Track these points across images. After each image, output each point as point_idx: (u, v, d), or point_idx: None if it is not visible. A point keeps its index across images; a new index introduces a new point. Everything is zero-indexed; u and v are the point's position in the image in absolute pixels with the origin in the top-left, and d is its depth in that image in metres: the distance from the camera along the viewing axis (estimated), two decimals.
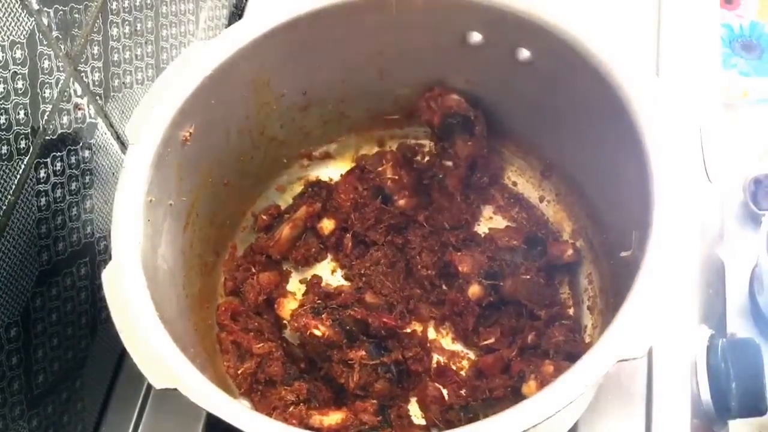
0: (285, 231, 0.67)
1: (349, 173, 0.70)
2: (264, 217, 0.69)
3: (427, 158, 0.72)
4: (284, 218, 0.69)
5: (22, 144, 0.54)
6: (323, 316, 0.59)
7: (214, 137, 0.62)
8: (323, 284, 0.68)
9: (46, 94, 0.56)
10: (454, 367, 0.64)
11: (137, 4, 0.66)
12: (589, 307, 0.64)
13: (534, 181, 0.70)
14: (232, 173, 0.65)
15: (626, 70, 0.54)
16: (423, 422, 0.61)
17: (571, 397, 0.44)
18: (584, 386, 0.45)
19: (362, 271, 0.67)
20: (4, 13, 0.50)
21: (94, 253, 0.64)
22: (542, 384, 0.54)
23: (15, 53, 0.52)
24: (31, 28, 0.53)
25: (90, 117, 0.62)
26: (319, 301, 0.61)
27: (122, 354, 0.67)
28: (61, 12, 0.56)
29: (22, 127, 0.53)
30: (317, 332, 0.59)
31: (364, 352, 0.59)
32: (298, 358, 0.63)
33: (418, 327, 0.66)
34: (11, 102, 0.52)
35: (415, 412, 0.62)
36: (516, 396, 0.57)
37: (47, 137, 0.56)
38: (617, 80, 0.54)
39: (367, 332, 0.61)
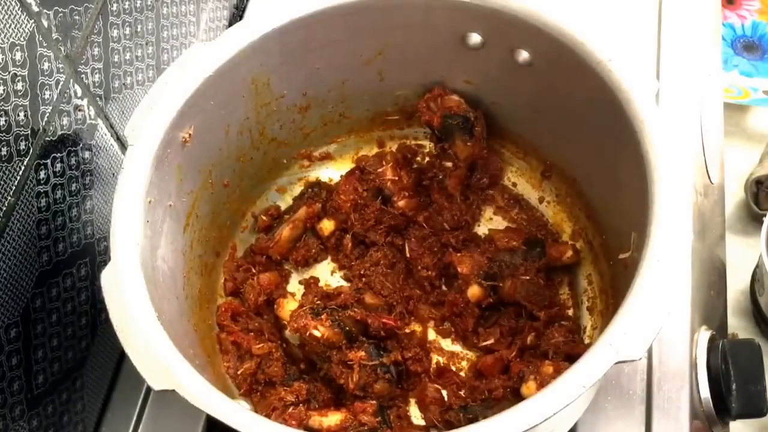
0: (285, 232, 0.68)
1: (349, 174, 0.70)
2: (264, 217, 0.69)
3: (426, 159, 0.72)
4: (284, 219, 0.69)
5: (22, 145, 0.54)
6: (322, 317, 0.59)
7: (214, 138, 0.62)
8: (323, 285, 0.68)
9: (46, 96, 0.56)
10: (453, 368, 0.64)
11: (138, 5, 0.66)
12: (588, 308, 0.64)
13: (534, 182, 0.70)
14: (231, 174, 0.66)
15: (626, 72, 0.54)
16: (422, 423, 0.61)
17: (569, 399, 0.44)
18: (583, 388, 0.45)
19: (362, 272, 0.67)
20: (4, 15, 0.51)
21: (94, 254, 0.64)
22: (542, 385, 0.54)
23: (15, 55, 0.52)
24: (31, 29, 0.53)
25: (90, 118, 0.62)
26: (318, 302, 0.61)
27: (122, 354, 0.67)
28: (61, 14, 0.56)
29: (22, 129, 0.54)
30: (317, 333, 0.59)
31: (363, 353, 0.59)
32: (297, 359, 0.63)
33: (417, 328, 0.66)
34: (11, 104, 0.52)
35: (414, 412, 0.62)
36: (515, 396, 0.57)
37: (47, 138, 0.57)
38: (617, 81, 0.54)
39: (366, 333, 0.61)
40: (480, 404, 0.59)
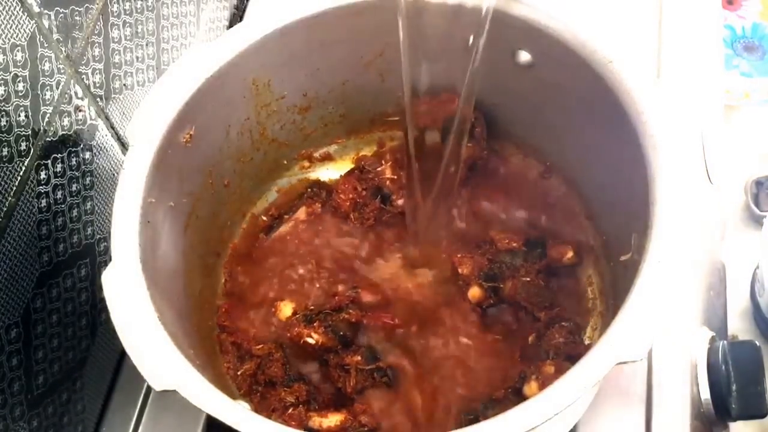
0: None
1: (349, 174, 0.70)
2: (264, 218, 0.69)
3: None
4: (284, 219, 0.69)
5: (23, 146, 0.54)
6: (315, 324, 0.60)
7: (215, 139, 0.62)
8: None
9: (47, 96, 0.56)
10: None
11: (138, 6, 0.66)
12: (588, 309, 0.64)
13: None
14: (232, 174, 0.66)
15: (627, 73, 0.54)
16: None
17: (570, 400, 0.44)
18: (584, 388, 0.45)
19: None
20: (5, 16, 0.51)
21: (95, 254, 0.64)
22: (543, 385, 0.54)
23: (16, 56, 0.52)
24: (32, 30, 0.53)
25: (91, 118, 0.62)
26: (311, 308, 0.61)
27: (122, 354, 0.67)
28: (62, 14, 0.56)
29: (23, 129, 0.54)
30: (311, 340, 0.59)
31: (359, 357, 0.59)
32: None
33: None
34: (12, 104, 0.52)
35: None
36: (516, 397, 0.57)
37: (48, 139, 0.57)
38: (617, 83, 0.54)
39: (358, 335, 0.61)
40: (480, 405, 0.59)
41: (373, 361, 0.59)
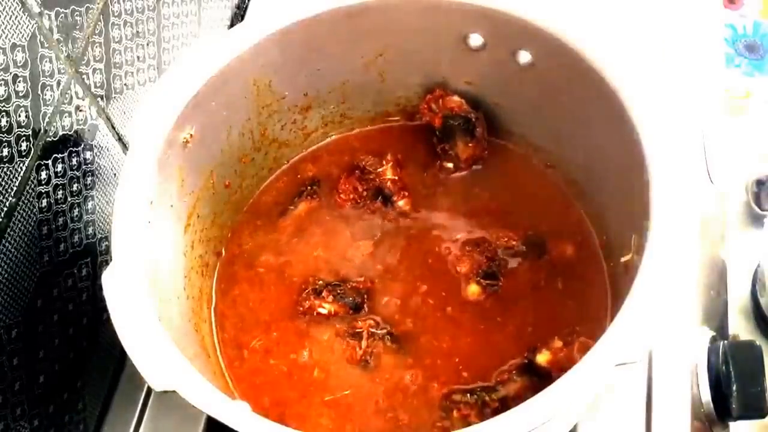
0: None
1: (349, 174, 0.70)
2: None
3: None
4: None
5: (24, 146, 0.54)
6: (323, 294, 0.62)
7: (216, 139, 0.62)
8: None
9: (48, 96, 0.56)
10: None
11: (139, 5, 0.66)
12: None
13: None
14: (233, 175, 0.66)
15: (627, 73, 0.54)
16: None
17: (569, 400, 0.45)
18: (582, 391, 0.45)
19: None
20: (5, 16, 0.51)
21: (96, 254, 0.64)
22: (555, 354, 0.55)
23: (16, 56, 0.52)
24: (32, 30, 0.53)
25: (91, 118, 0.62)
26: (320, 282, 0.63)
27: (123, 354, 0.67)
28: (62, 14, 0.56)
29: (24, 129, 0.54)
30: (323, 311, 0.61)
31: (372, 321, 0.61)
32: None
33: None
34: (12, 104, 0.52)
35: None
36: (520, 376, 0.57)
37: (48, 139, 0.57)
38: (618, 83, 0.54)
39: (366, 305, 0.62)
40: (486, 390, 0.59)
41: (384, 326, 0.61)
